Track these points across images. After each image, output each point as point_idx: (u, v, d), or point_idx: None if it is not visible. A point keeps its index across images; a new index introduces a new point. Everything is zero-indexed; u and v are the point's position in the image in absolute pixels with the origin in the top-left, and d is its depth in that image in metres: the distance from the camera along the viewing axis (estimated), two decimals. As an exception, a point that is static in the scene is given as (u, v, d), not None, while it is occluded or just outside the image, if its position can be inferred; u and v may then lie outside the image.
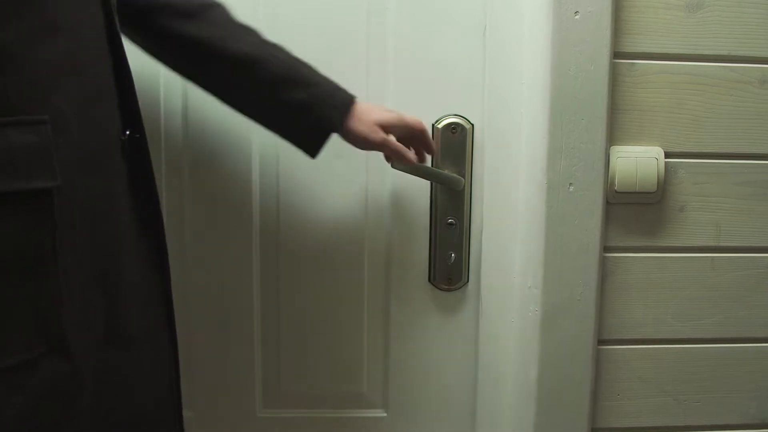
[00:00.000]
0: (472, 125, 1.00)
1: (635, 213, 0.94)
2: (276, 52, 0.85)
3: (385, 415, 1.08)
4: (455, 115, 1.00)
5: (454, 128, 1.00)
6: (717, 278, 0.96)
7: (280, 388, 1.07)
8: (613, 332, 0.97)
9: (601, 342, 0.97)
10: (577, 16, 0.89)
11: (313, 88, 0.86)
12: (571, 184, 0.92)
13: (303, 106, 0.85)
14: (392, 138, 0.89)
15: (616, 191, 0.93)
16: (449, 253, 1.02)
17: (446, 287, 1.03)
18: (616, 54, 0.91)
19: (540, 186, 0.92)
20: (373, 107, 0.88)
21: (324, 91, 0.86)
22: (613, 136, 0.92)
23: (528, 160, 0.94)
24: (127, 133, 0.71)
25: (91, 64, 0.66)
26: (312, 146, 0.88)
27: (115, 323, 0.69)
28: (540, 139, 0.91)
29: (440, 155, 1.00)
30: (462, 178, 0.99)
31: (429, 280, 1.03)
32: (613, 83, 0.91)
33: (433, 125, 1.00)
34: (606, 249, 0.95)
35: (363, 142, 0.87)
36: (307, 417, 1.08)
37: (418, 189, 1.02)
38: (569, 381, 0.96)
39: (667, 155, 0.93)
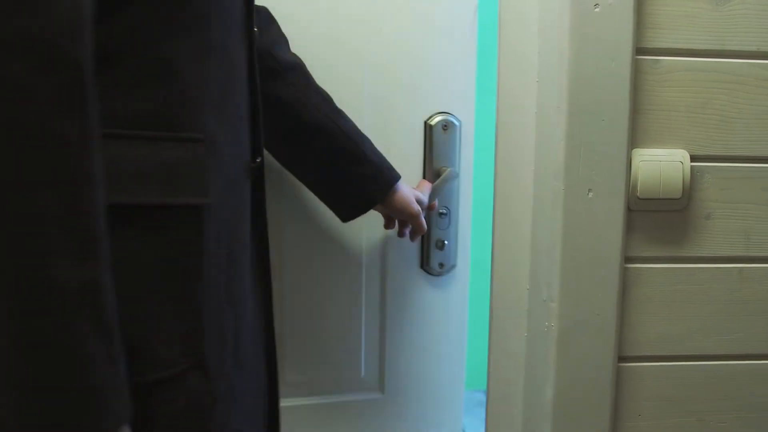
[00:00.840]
0: (460, 122, 1.07)
1: (658, 221, 0.88)
2: (343, 123, 0.92)
3: (382, 396, 1.13)
4: (444, 113, 1.07)
5: (445, 125, 1.06)
6: (746, 290, 0.90)
7: (283, 378, 1.05)
8: (634, 348, 0.91)
9: (621, 359, 0.91)
10: (597, 9, 0.82)
11: (367, 167, 0.94)
12: (590, 190, 0.86)
13: (354, 181, 0.94)
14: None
15: (638, 197, 0.86)
16: (441, 240, 1.10)
17: (438, 272, 1.11)
18: (639, 50, 0.84)
19: (557, 192, 0.86)
20: (408, 187, 0.99)
21: (376, 170, 0.95)
22: (635, 138, 0.86)
23: (542, 164, 0.87)
24: (258, 159, 0.74)
25: (237, 88, 0.68)
26: (348, 214, 0.96)
27: (238, 343, 0.69)
28: (557, 141, 0.85)
29: (432, 150, 1.05)
30: (456, 172, 1.07)
31: (421, 266, 1.10)
32: (636, 81, 0.85)
33: (425, 122, 1.06)
34: (627, 260, 0.88)
35: (400, 211, 0.97)
36: (307, 405, 1.10)
37: (413, 183, 1.06)
38: (588, 401, 0.90)
39: (693, 159, 0.87)
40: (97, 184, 0.50)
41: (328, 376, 1.10)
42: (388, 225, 1.04)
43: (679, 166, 0.86)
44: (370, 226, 1.07)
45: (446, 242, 1.10)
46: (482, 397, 3.01)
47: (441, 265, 1.11)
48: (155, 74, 0.59)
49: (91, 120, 0.49)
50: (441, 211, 1.09)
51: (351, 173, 0.94)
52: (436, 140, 1.05)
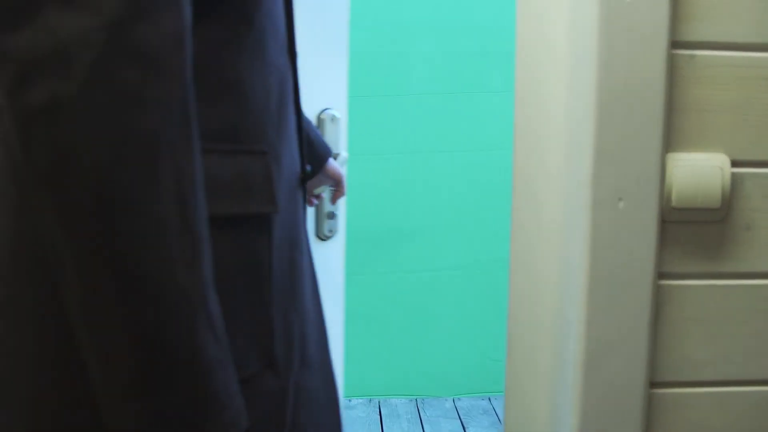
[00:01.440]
0: (340, 116, 1.27)
1: (695, 233, 0.80)
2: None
3: None
4: (329, 108, 1.27)
5: (332, 118, 1.27)
6: (791, 308, 0.82)
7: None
8: (668, 373, 0.82)
9: (654, 384, 0.82)
10: (629, -2, 0.74)
11: (314, 136, 1.07)
12: (620, 199, 0.77)
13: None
14: None
15: (673, 207, 0.78)
16: (332, 212, 1.34)
17: (327, 237, 1.36)
18: (674, 43, 0.76)
19: (584, 202, 0.77)
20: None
21: (321, 139, 1.10)
22: (669, 142, 0.78)
23: (567, 170, 0.79)
24: (308, 168, 0.81)
25: (288, 103, 0.72)
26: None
27: (304, 344, 0.72)
28: (583, 145, 0.77)
29: (326, 139, 1.20)
30: (346, 156, 1.29)
31: (316, 234, 1.33)
32: (671, 78, 0.76)
33: (318, 116, 1.25)
34: (661, 275, 0.80)
35: (332, 174, 1.11)
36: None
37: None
38: (616, 430, 0.81)
39: (734, 164, 0.79)
40: (201, 189, 0.54)
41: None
42: (310, 202, 1.20)
43: (718, 172, 0.78)
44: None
45: (335, 213, 1.35)
46: (487, 405, 2.94)
47: (330, 231, 1.37)
48: (228, 90, 0.64)
49: (194, 129, 0.53)
50: (331, 188, 1.28)
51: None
52: (328, 131, 1.25)
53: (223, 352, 0.55)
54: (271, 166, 0.66)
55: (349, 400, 2.95)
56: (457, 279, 2.99)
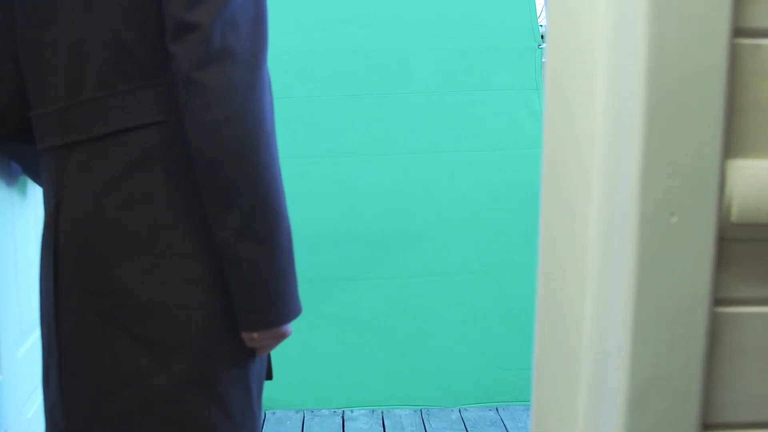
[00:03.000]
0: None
1: (759, 252, 0.69)
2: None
3: None
4: None
5: None
6: None
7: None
8: (723, 413, 0.72)
9: (707, 426, 0.71)
10: (685, -23, 0.63)
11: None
12: (672, 213, 0.66)
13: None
14: None
15: (733, 223, 0.67)
16: None
17: None
18: (737, 31, 0.65)
19: (629, 216, 0.66)
20: None
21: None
22: (730, 147, 0.67)
23: (610, 180, 0.68)
24: None
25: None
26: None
27: None
28: (630, 151, 0.65)
29: None
30: None
31: None
32: (733, 72, 0.65)
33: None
34: (717, 302, 0.69)
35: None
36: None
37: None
38: (663, 479, 0.71)
39: (803, 172, 0.67)
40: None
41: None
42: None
43: (786, 182, 0.67)
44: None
45: None
46: (495, 416, 2.84)
47: None
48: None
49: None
50: None
51: None
52: None
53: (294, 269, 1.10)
54: None
55: (351, 411, 2.85)
56: (463, 284, 2.88)
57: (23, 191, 1.38)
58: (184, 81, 0.94)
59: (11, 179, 1.31)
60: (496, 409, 2.85)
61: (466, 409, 2.85)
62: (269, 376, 1.21)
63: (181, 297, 1.02)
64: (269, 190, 1.00)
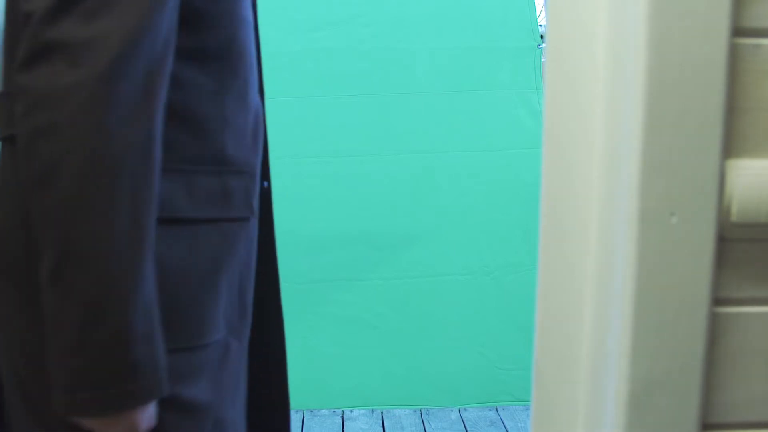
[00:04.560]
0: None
1: (759, 252, 0.69)
2: None
3: None
4: None
5: None
6: None
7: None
8: (723, 413, 0.72)
9: (707, 426, 0.71)
10: (685, -23, 0.63)
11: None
12: (672, 213, 0.66)
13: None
14: None
15: (733, 223, 0.67)
16: None
17: None
18: (737, 30, 0.65)
19: (629, 216, 0.66)
20: None
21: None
22: (730, 147, 0.67)
23: (610, 180, 0.68)
24: (265, 183, 0.99)
25: (261, 133, 0.93)
26: None
27: (243, 318, 0.93)
28: (630, 151, 0.65)
29: None
30: None
31: None
32: (732, 71, 0.65)
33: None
34: (717, 302, 0.69)
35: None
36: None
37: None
38: (663, 479, 0.71)
39: (803, 171, 0.67)
40: (151, 204, 0.74)
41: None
42: None
43: (786, 182, 0.67)
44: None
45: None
46: (494, 416, 2.84)
47: None
48: (219, 127, 0.83)
49: (155, 160, 0.74)
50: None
51: None
52: None
53: (150, 328, 0.73)
54: (249, 183, 0.89)
55: (351, 411, 2.85)
56: (463, 284, 2.88)
57: None
58: (15, 86, 0.72)
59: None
60: (496, 409, 2.85)
61: (465, 409, 2.85)
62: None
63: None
64: (98, 239, 0.69)
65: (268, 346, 1.04)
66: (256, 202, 0.90)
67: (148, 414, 0.74)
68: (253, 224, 0.91)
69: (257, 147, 0.91)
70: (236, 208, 0.86)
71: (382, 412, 2.84)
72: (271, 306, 1.05)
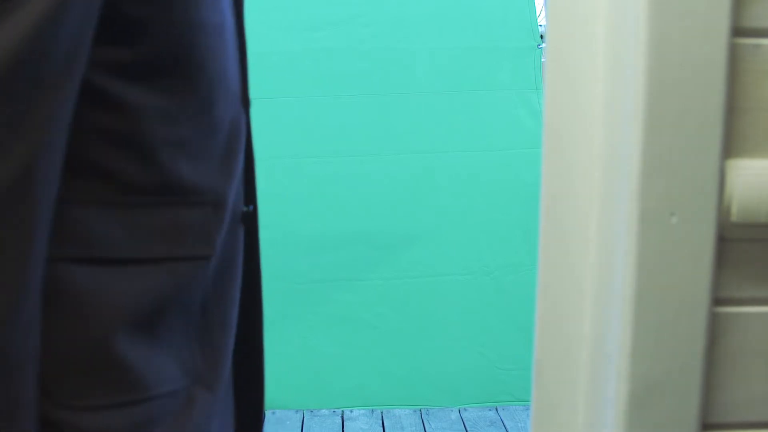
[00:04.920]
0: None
1: (758, 252, 0.69)
2: None
3: None
4: None
5: None
6: None
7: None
8: (723, 413, 0.72)
9: (707, 426, 0.72)
10: (685, -23, 0.63)
11: None
12: (672, 213, 0.66)
13: None
14: None
15: (733, 223, 0.67)
16: None
17: None
18: (737, 30, 0.65)
19: (629, 216, 0.66)
20: None
21: None
22: (730, 147, 0.67)
23: (610, 180, 0.68)
24: (250, 207, 0.85)
25: (239, 150, 0.79)
26: None
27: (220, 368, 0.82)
28: (630, 152, 0.65)
29: None
30: None
31: None
32: (732, 71, 0.65)
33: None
34: (717, 301, 0.69)
35: None
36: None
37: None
38: (663, 479, 0.70)
39: (803, 172, 0.67)
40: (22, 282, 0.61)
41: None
42: None
43: (786, 182, 0.67)
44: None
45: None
46: (494, 416, 2.84)
47: None
48: (172, 150, 0.70)
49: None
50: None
51: None
52: None
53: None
54: (210, 214, 0.75)
55: (351, 411, 2.85)
56: (463, 284, 2.88)
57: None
58: None
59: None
60: (496, 409, 2.85)
61: (465, 409, 2.85)
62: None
63: None
64: None
65: (242, 391, 0.90)
66: (221, 236, 0.77)
67: None
68: (217, 261, 0.77)
69: (230, 169, 0.78)
70: (189, 246, 0.73)
71: (382, 412, 2.84)
72: (252, 352, 0.92)
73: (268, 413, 2.81)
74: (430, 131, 2.89)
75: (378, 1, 2.91)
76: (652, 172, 0.65)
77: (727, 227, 0.67)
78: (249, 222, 0.85)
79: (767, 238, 0.69)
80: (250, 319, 0.89)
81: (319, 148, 2.87)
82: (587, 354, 0.72)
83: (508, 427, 2.73)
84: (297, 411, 2.83)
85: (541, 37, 2.91)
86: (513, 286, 2.85)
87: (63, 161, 0.62)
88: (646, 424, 0.70)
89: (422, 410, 2.85)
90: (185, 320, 0.75)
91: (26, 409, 0.62)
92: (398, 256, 2.89)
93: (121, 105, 0.66)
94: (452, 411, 2.85)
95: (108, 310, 0.69)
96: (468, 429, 2.72)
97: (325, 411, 2.84)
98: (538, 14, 2.95)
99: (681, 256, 0.67)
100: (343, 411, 2.85)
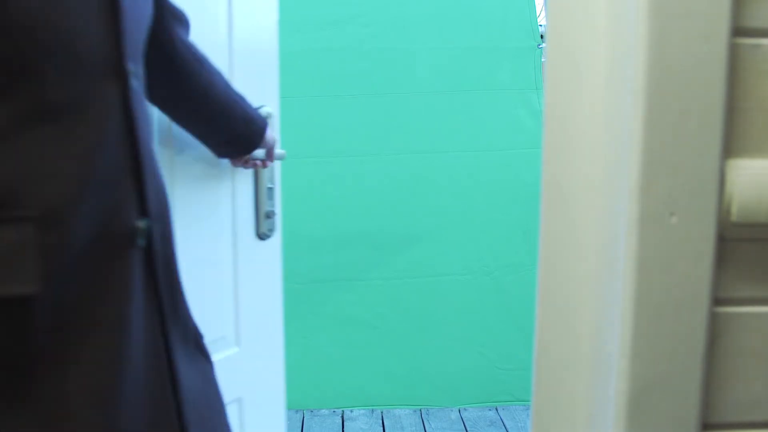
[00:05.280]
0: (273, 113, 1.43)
1: (759, 252, 0.69)
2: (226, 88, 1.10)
3: (238, 350, 1.41)
4: (264, 105, 1.40)
5: (268, 114, 1.40)
6: None
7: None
8: (724, 413, 0.71)
9: (707, 426, 0.71)
10: (685, -23, 0.63)
11: (250, 125, 1.17)
12: (672, 213, 0.66)
13: (240, 136, 1.15)
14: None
15: (733, 223, 0.67)
16: (271, 210, 1.44)
17: (267, 236, 1.44)
18: (737, 30, 0.65)
19: (629, 216, 0.66)
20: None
21: (256, 128, 1.18)
22: (730, 146, 0.67)
23: (610, 179, 0.68)
24: (143, 222, 0.65)
25: (107, 143, 0.61)
26: (231, 156, 1.21)
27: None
28: (631, 151, 0.65)
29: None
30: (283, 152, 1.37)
31: (256, 233, 1.41)
32: (733, 71, 0.65)
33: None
34: (717, 301, 0.69)
35: (268, 143, 1.22)
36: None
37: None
38: (663, 479, 0.70)
39: (803, 171, 0.67)
40: None
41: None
42: (236, 163, 1.25)
43: (786, 182, 0.67)
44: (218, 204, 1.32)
45: (274, 212, 1.44)
46: (494, 415, 2.83)
47: (270, 230, 1.45)
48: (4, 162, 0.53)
49: None
50: (269, 186, 1.41)
51: (237, 131, 1.14)
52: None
53: None
54: (36, 235, 0.55)
55: (351, 411, 2.84)
56: (463, 284, 2.88)
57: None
58: None
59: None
60: (496, 409, 2.85)
61: (465, 409, 2.85)
62: None
63: None
64: None
65: None
66: (62, 267, 0.58)
67: None
68: (60, 299, 0.59)
69: (93, 170, 0.60)
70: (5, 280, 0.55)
71: (382, 412, 2.84)
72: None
73: (268, 413, 2.81)
74: (430, 131, 2.89)
75: (378, 1, 2.91)
76: (652, 172, 0.65)
77: (727, 227, 0.67)
78: (150, 242, 0.66)
79: (765, 238, 0.68)
80: (157, 383, 0.69)
81: (319, 148, 2.86)
82: (587, 353, 0.72)
83: (508, 427, 2.73)
84: (297, 411, 2.83)
85: (541, 37, 2.90)
86: (513, 286, 2.85)
87: None
88: (646, 423, 0.70)
89: (422, 410, 2.85)
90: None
91: None
92: (398, 256, 2.89)
93: None
94: (452, 411, 2.84)
95: None
96: (468, 429, 2.72)
97: (325, 411, 2.84)
98: (538, 14, 2.95)
99: (681, 256, 0.67)
100: (343, 411, 2.85)
